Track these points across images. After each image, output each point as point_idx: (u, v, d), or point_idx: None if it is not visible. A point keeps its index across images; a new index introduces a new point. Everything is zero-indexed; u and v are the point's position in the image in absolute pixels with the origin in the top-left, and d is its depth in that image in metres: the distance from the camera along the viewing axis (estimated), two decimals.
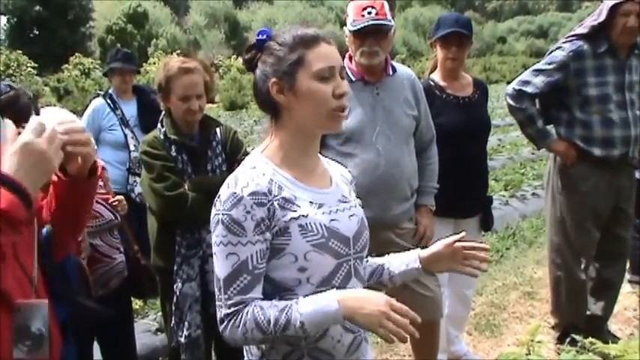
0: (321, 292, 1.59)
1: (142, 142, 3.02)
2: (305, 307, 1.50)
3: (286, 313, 1.51)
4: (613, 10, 3.49)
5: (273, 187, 1.60)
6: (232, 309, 1.55)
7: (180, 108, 2.83)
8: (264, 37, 1.66)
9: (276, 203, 1.58)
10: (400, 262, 1.86)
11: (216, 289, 1.60)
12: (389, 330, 1.45)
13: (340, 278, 1.64)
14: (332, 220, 1.64)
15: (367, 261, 1.87)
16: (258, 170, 1.62)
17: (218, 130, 2.98)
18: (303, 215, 1.60)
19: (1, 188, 1.26)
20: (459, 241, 1.79)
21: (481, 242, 1.84)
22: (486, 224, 3.67)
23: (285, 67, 1.62)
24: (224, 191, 1.59)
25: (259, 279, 1.57)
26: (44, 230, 1.79)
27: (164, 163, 2.82)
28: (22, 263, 1.52)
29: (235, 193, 1.56)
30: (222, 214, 1.56)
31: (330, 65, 1.62)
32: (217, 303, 1.59)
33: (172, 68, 2.82)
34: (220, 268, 1.57)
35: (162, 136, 2.88)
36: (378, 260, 1.89)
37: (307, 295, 1.57)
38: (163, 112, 2.96)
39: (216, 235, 1.58)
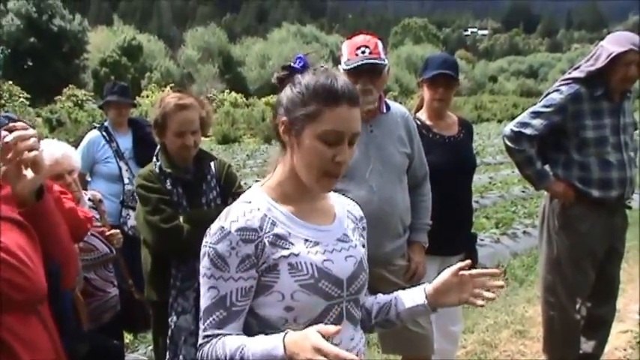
0: None
1: (137, 176, 3.03)
2: (255, 347, 1.47)
3: (240, 351, 1.48)
4: (614, 58, 3.53)
5: (266, 224, 1.58)
6: (204, 340, 1.56)
7: (175, 143, 2.87)
8: (300, 65, 1.63)
9: (266, 240, 1.56)
10: (407, 299, 1.77)
11: None
12: None
13: (331, 320, 1.59)
14: (325, 260, 1.59)
15: (376, 297, 1.83)
16: (253, 205, 1.61)
17: (212, 164, 3.02)
18: (294, 254, 1.57)
19: None
20: (464, 269, 1.72)
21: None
22: (471, 261, 3.66)
23: (297, 115, 1.57)
24: (215, 224, 1.59)
25: (237, 316, 1.56)
26: None
27: (160, 196, 2.84)
28: (39, 311, 1.55)
29: (223, 227, 1.56)
30: (209, 247, 1.57)
31: (339, 130, 1.55)
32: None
33: (168, 105, 2.86)
34: (203, 299, 1.58)
35: (157, 170, 2.91)
36: (387, 297, 1.82)
37: None
38: (159, 147, 2.98)
39: (202, 266, 1.59)
